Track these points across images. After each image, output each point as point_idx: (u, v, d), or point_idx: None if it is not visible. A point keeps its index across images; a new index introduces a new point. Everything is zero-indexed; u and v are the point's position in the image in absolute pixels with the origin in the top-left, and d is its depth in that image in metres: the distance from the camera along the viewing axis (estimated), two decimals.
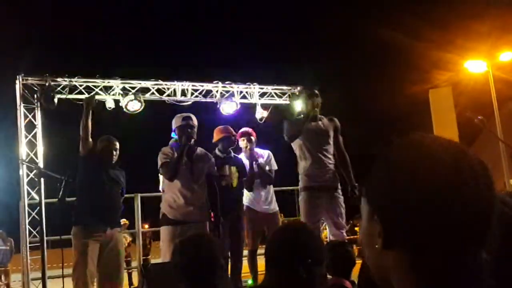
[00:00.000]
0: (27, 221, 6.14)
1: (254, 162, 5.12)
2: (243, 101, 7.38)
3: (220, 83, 7.24)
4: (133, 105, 6.61)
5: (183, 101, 7.09)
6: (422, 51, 18.70)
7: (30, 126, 6.41)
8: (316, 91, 4.84)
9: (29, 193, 6.18)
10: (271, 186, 5.40)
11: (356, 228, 13.53)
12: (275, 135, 5.76)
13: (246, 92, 7.44)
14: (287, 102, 7.50)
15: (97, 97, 6.01)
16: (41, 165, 6.08)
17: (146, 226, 10.20)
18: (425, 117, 8.87)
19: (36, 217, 6.03)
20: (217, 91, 7.26)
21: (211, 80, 7.32)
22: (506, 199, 0.93)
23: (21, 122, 6.32)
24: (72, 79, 6.53)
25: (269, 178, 5.30)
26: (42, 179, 5.27)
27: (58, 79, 6.49)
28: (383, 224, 0.72)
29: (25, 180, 6.16)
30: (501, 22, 14.97)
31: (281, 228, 2.15)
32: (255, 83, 7.45)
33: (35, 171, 5.78)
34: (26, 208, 6.13)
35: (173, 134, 4.71)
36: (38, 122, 6.45)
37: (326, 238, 5.35)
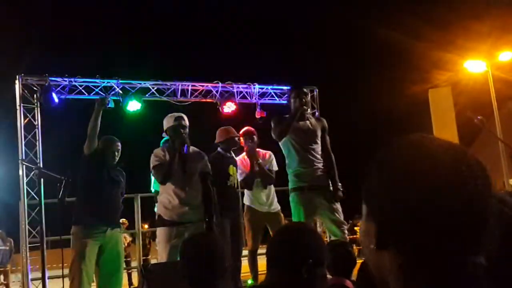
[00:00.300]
0: (27, 221, 6.14)
1: (255, 162, 5.13)
2: (243, 101, 7.38)
3: (220, 83, 7.25)
4: (133, 105, 6.63)
5: (183, 101, 7.10)
6: (422, 51, 18.73)
7: (30, 126, 6.41)
8: (305, 90, 4.80)
9: (29, 193, 6.18)
10: (272, 186, 5.40)
11: (356, 228, 13.53)
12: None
13: (246, 92, 7.45)
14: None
15: (96, 97, 6.01)
16: (40, 165, 6.08)
17: (146, 226, 10.20)
18: (424, 117, 8.88)
19: (36, 217, 6.03)
20: (217, 91, 7.26)
21: (211, 80, 7.33)
22: (506, 198, 0.93)
23: (21, 122, 6.32)
24: (72, 79, 6.53)
25: (269, 178, 5.30)
26: (41, 179, 5.26)
27: (58, 79, 6.49)
28: (378, 224, 0.72)
29: (25, 180, 6.17)
30: (500, 22, 15.00)
31: (282, 228, 2.15)
32: (255, 83, 7.46)
33: (35, 171, 5.78)
34: (26, 208, 6.13)
35: (163, 135, 4.66)
36: (38, 122, 6.45)
37: (327, 238, 5.35)
